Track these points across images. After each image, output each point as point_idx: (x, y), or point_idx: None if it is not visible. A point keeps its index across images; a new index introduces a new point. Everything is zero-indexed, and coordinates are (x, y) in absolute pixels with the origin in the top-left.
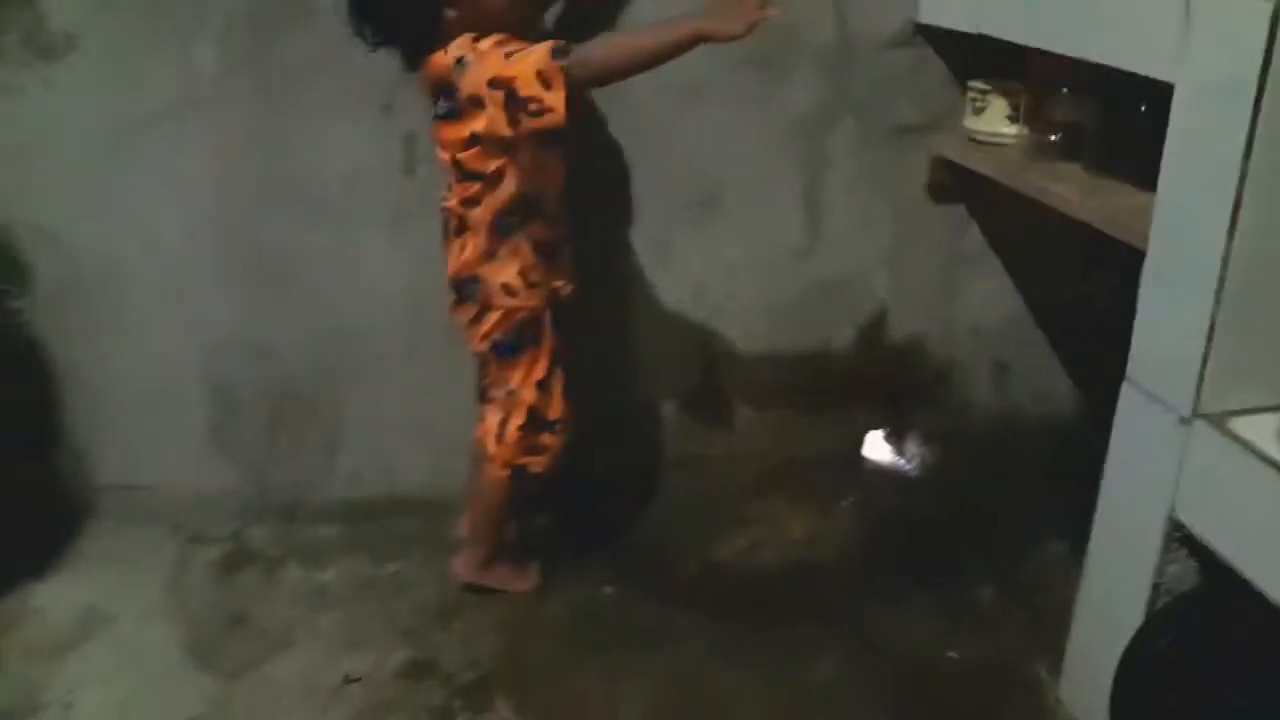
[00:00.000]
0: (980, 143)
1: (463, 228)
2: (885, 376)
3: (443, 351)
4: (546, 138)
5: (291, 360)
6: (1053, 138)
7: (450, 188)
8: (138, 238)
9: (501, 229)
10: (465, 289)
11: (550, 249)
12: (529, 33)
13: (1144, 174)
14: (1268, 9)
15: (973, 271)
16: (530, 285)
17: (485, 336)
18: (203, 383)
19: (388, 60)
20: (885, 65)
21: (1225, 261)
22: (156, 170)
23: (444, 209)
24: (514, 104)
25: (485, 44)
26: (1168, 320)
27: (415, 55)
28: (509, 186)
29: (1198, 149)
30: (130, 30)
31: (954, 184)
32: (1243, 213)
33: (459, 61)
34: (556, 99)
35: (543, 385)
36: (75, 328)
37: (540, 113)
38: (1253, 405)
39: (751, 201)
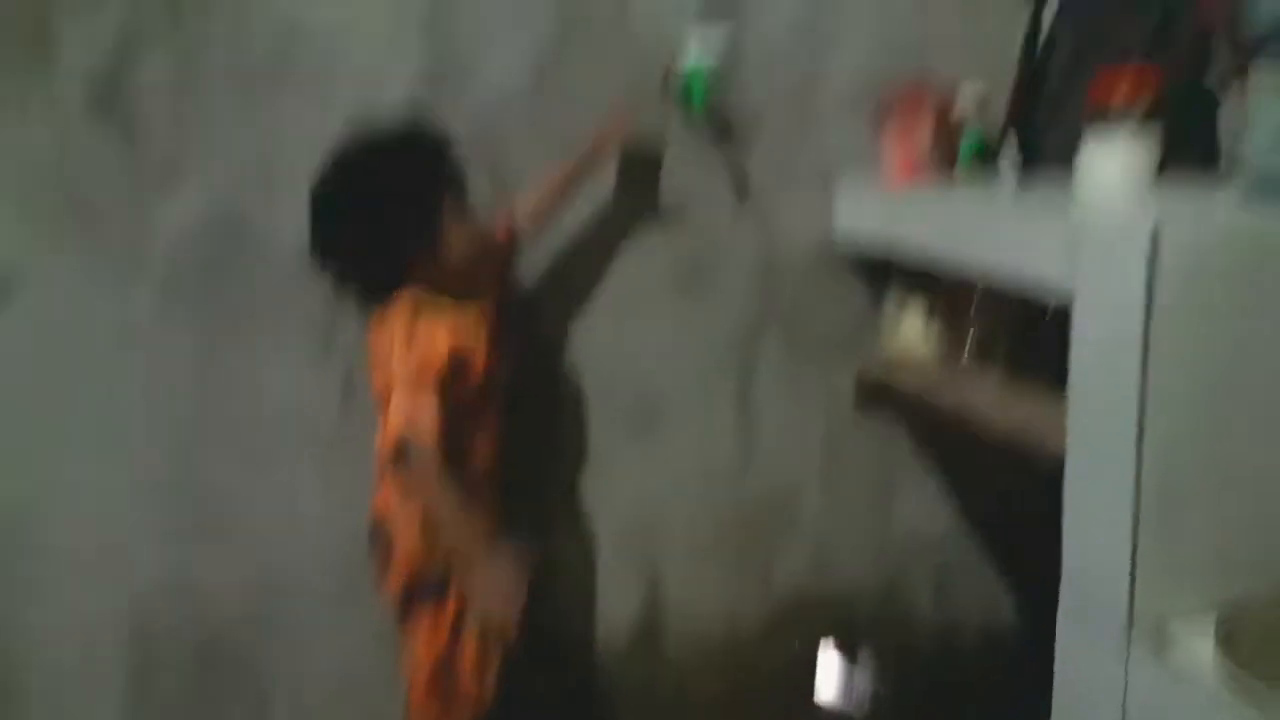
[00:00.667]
0: (901, 356)
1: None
2: (827, 592)
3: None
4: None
5: (219, 611)
6: (968, 350)
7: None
8: (62, 482)
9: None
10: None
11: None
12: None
13: (1055, 379)
14: (1147, 229)
15: (906, 481)
16: None
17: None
18: (123, 640)
19: (328, 299)
20: (806, 281)
21: (1139, 468)
22: (85, 411)
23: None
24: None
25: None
26: (1093, 528)
27: (373, 299)
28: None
29: (1098, 362)
30: (69, 274)
31: (879, 395)
32: (1148, 421)
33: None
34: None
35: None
36: None
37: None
38: (1189, 607)
39: (687, 413)
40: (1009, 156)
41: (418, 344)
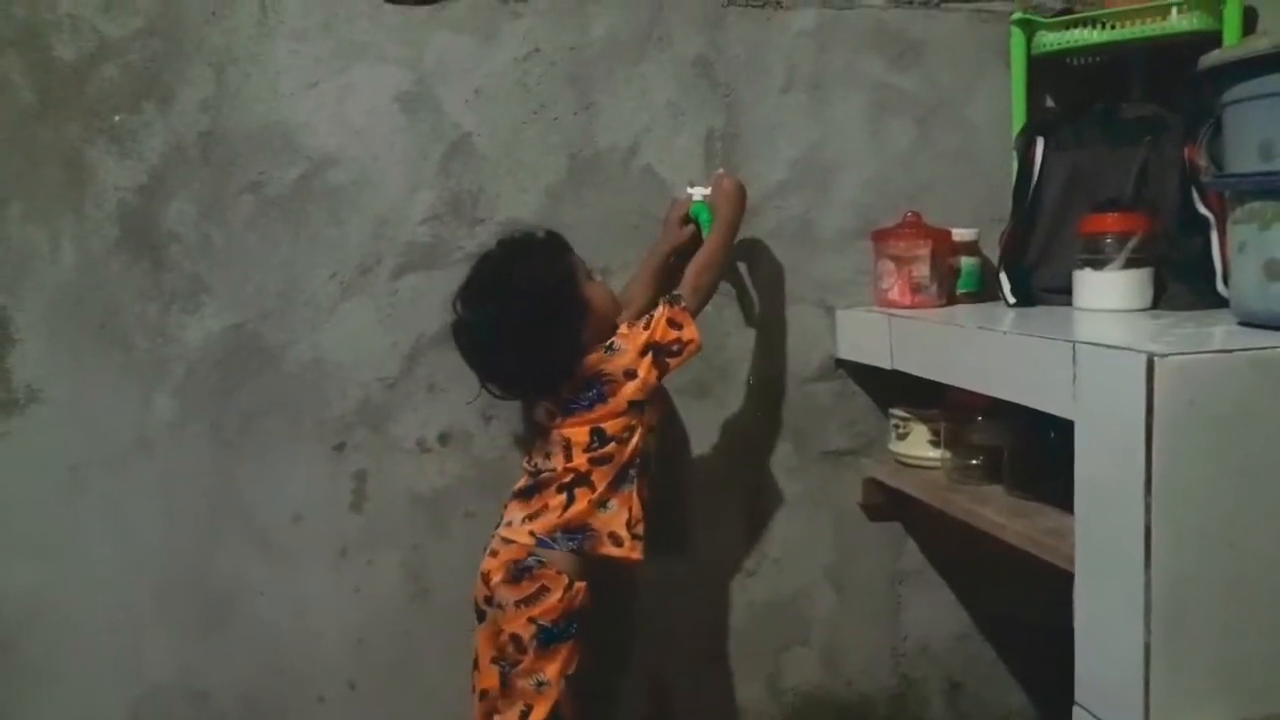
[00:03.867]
0: (907, 465)
1: (578, 484)
2: (838, 698)
3: (382, 695)
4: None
5: (226, 705)
6: (974, 461)
7: (564, 454)
8: (74, 579)
9: (620, 479)
10: (552, 547)
11: (648, 509)
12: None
13: (1062, 495)
14: (1143, 354)
15: (916, 588)
16: (634, 537)
17: (534, 619)
18: None
19: (347, 402)
20: (812, 396)
21: (1147, 588)
22: (101, 511)
23: (541, 470)
24: (660, 355)
25: (623, 329)
26: (1105, 645)
27: (554, 386)
28: (635, 441)
29: (1102, 480)
30: (93, 382)
31: (887, 502)
32: (1155, 542)
33: (608, 348)
34: (690, 331)
35: (569, 681)
36: None
37: (680, 349)
38: None
39: (698, 520)
40: (1002, 294)
41: (633, 340)
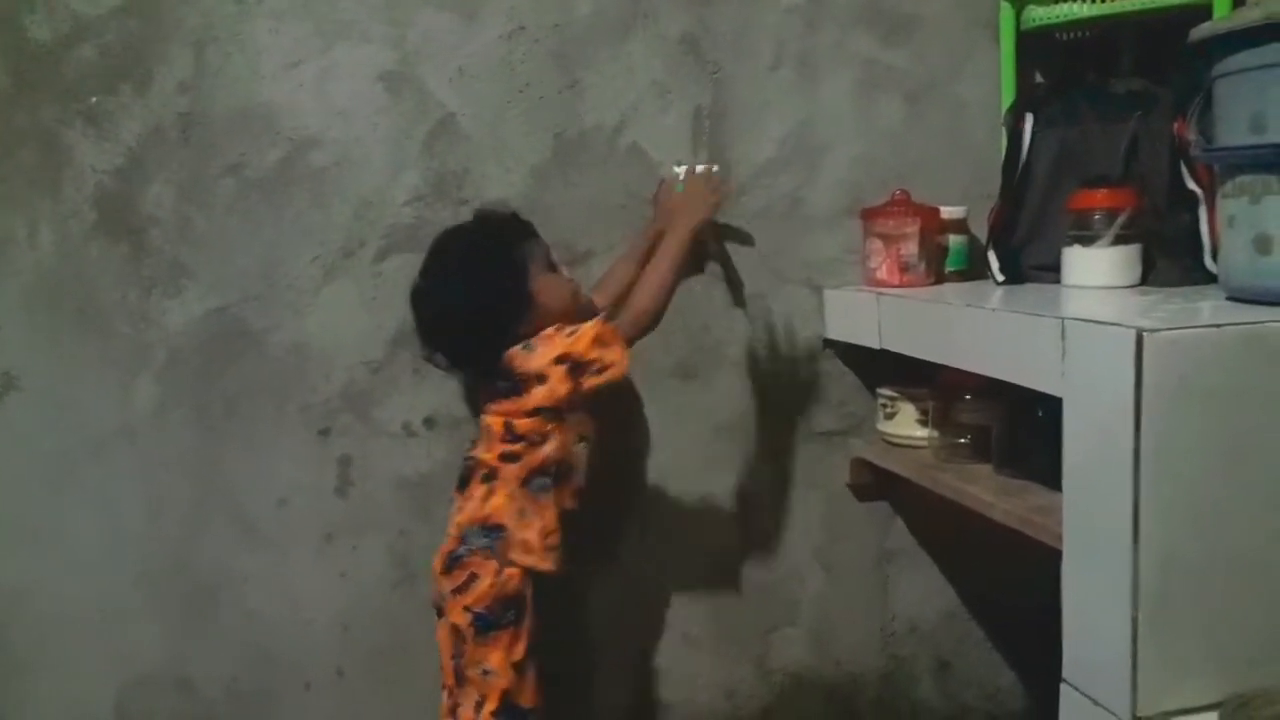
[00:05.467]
0: (895, 445)
1: (492, 476)
2: (827, 677)
3: (370, 680)
4: (580, 417)
5: (213, 691)
6: (961, 440)
7: (486, 443)
8: (60, 568)
9: (531, 484)
10: (471, 541)
11: (569, 521)
12: (583, 318)
13: (1050, 474)
14: (1131, 331)
15: (904, 568)
16: (547, 548)
17: (468, 607)
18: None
19: (331, 386)
20: (800, 377)
21: (1135, 565)
22: (85, 499)
23: (470, 458)
24: (576, 370)
25: (548, 331)
26: (1093, 623)
27: (485, 372)
28: (548, 450)
29: (1091, 457)
30: (71, 369)
31: (875, 482)
32: (1143, 520)
33: (525, 345)
34: (614, 353)
35: (519, 668)
36: None
37: (600, 370)
38: (1193, 704)
39: (685, 502)
40: (990, 272)
41: (551, 344)
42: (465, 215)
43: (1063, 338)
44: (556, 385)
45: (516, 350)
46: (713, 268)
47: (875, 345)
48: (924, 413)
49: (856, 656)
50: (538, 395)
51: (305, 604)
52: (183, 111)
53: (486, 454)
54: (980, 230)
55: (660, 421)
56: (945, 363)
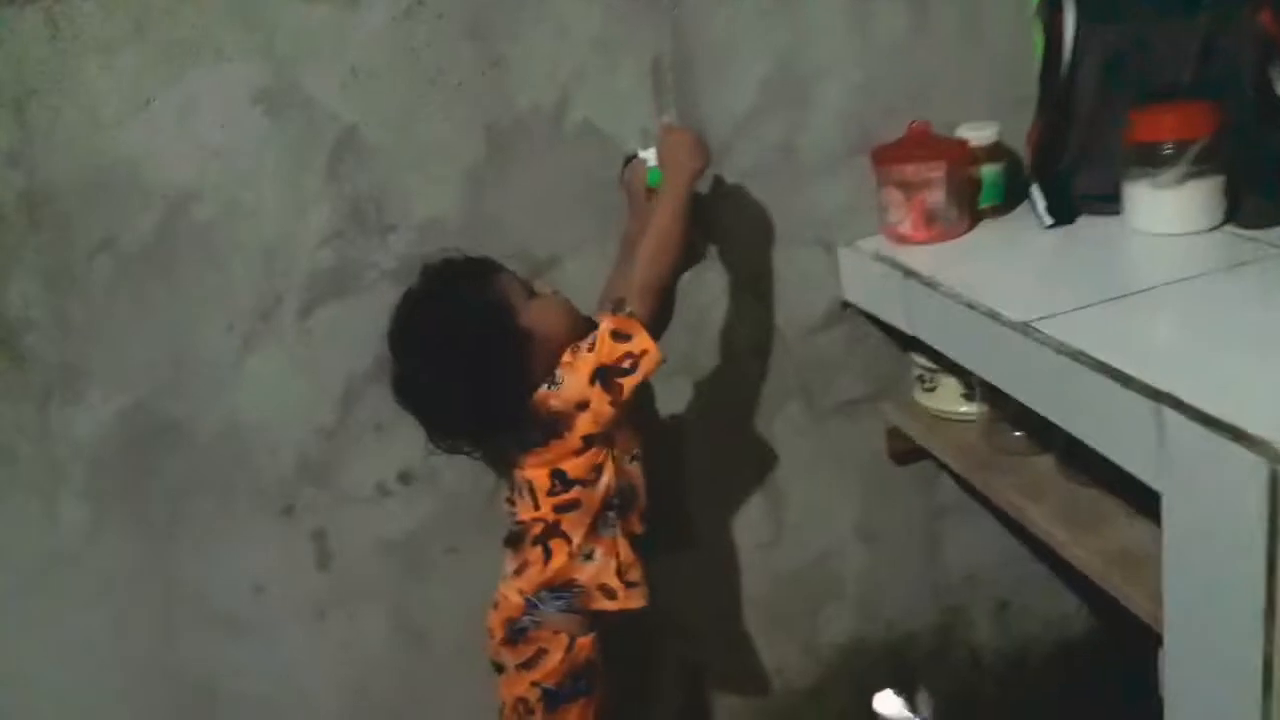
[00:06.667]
0: (936, 414)
1: (551, 534)
2: (877, 643)
3: None
4: (626, 434)
5: None
6: (1017, 433)
7: (531, 500)
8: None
9: (598, 525)
10: (543, 608)
11: (643, 546)
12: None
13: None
14: (1263, 470)
15: (955, 522)
16: (629, 585)
17: (536, 683)
18: None
19: (282, 463)
20: (819, 346)
21: (1267, 715)
22: (39, 634)
23: (520, 522)
24: (609, 378)
25: (566, 357)
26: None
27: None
28: (606, 481)
29: (1205, 580)
30: None
31: (916, 446)
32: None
33: (552, 383)
34: (641, 341)
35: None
36: None
37: (635, 366)
38: None
39: (704, 503)
40: (1035, 212)
41: (577, 369)
42: (397, 244)
43: (1159, 427)
44: (599, 406)
45: (543, 392)
46: (704, 243)
47: (904, 329)
48: (970, 385)
49: (908, 616)
50: (583, 424)
51: (310, 680)
52: (20, 190)
53: (536, 513)
54: (1017, 147)
55: (675, 424)
56: (1000, 387)
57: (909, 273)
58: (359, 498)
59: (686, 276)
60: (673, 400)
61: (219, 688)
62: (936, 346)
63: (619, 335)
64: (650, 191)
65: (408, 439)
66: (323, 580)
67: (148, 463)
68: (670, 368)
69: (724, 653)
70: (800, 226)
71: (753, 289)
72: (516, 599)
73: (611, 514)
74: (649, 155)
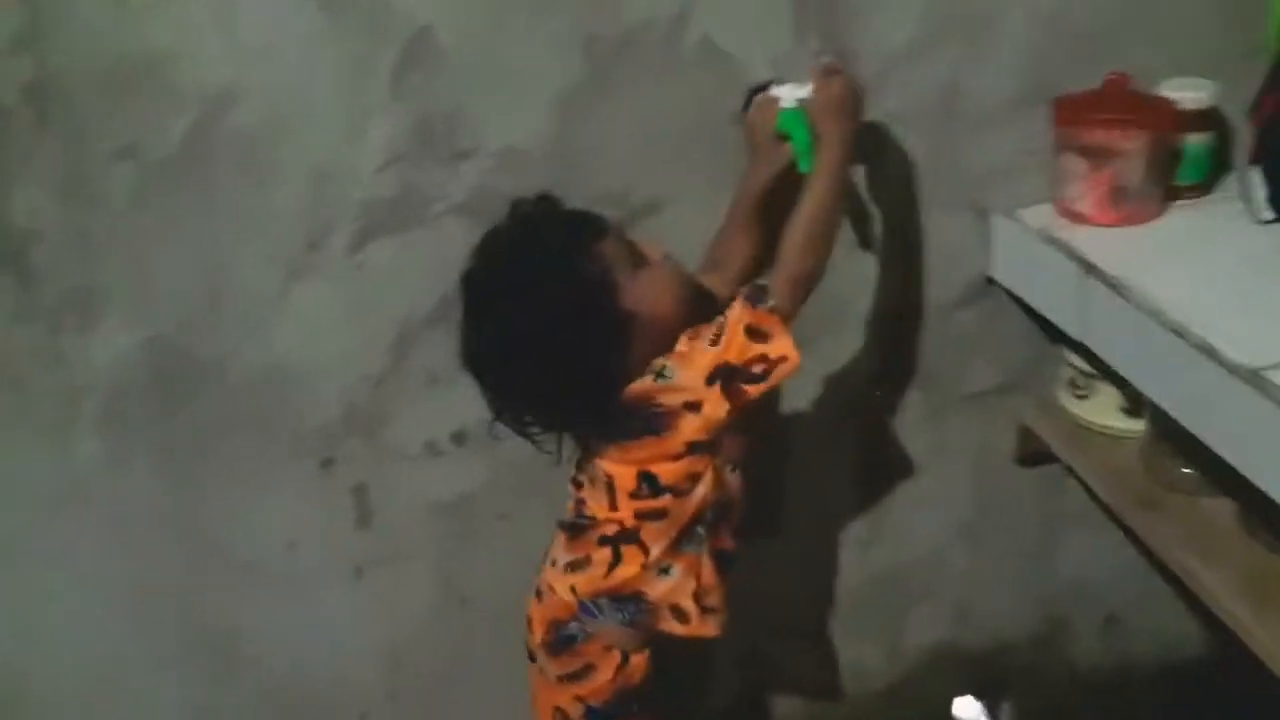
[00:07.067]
0: (1085, 425)
1: (624, 539)
2: (969, 650)
3: (429, 705)
4: (731, 438)
5: None
6: (1186, 470)
7: (608, 498)
8: (45, 649)
9: (683, 539)
10: (600, 617)
11: (730, 565)
12: (710, 307)
13: None
14: None
15: (1074, 530)
16: (704, 610)
17: (580, 698)
18: None
19: (324, 411)
20: (952, 327)
21: None
22: (52, 572)
23: (588, 515)
24: (734, 380)
25: (681, 345)
26: None
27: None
28: (702, 493)
29: None
30: None
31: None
32: None
33: (659, 374)
34: (780, 344)
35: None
36: None
37: (767, 372)
38: None
39: (797, 493)
40: (1250, 200)
41: (694, 361)
42: (470, 174)
43: None
44: (713, 410)
45: (647, 384)
46: None
47: (1071, 332)
48: (1134, 400)
49: (1005, 623)
50: (690, 428)
51: (346, 640)
52: (28, 80)
53: (613, 513)
54: (1233, 115)
55: (775, 403)
56: (1208, 442)
57: (1089, 267)
58: (407, 455)
59: None
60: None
61: (242, 638)
62: (1116, 367)
63: (755, 332)
64: (779, 137)
65: (465, 396)
66: (362, 538)
67: (173, 399)
68: None
69: (793, 643)
70: (950, 185)
71: (880, 255)
72: (568, 598)
73: (701, 529)
74: (782, 92)
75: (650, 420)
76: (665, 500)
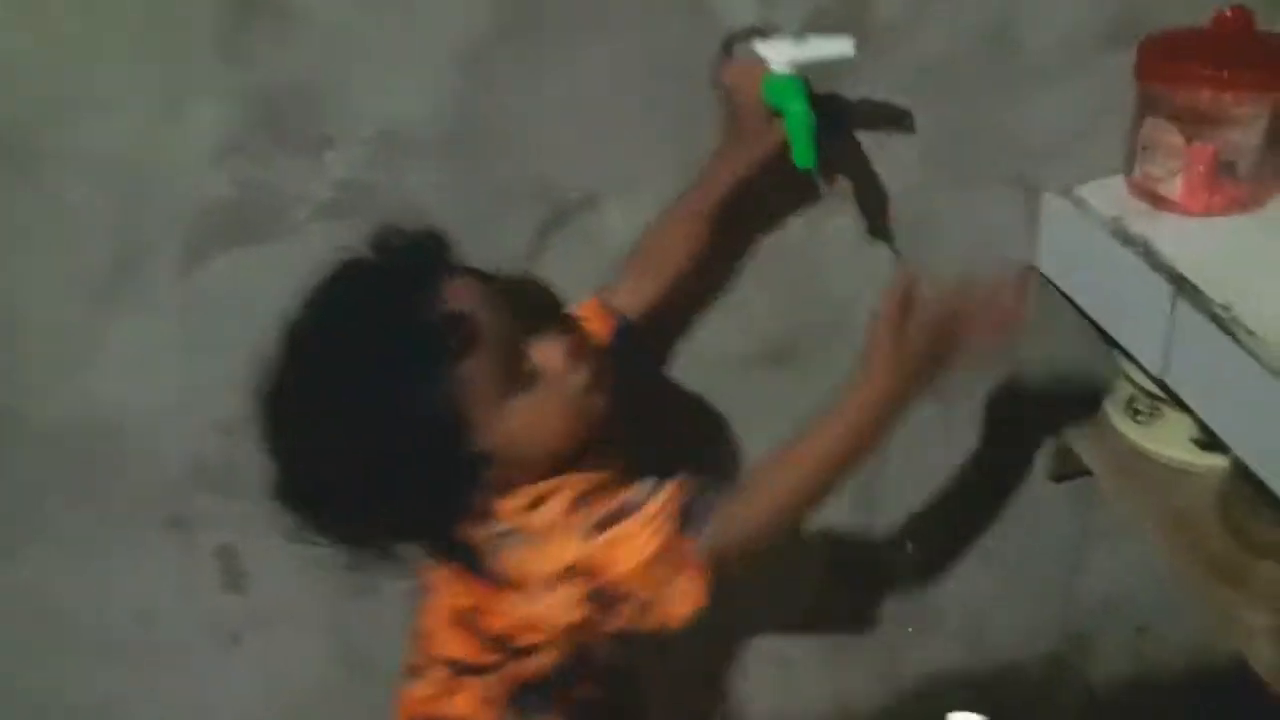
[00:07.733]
0: (1141, 455)
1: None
2: (975, 672)
3: None
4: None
5: None
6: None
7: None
8: None
9: (523, 704)
10: None
11: (600, 712)
12: (609, 456)
13: None
14: None
15: (1101, 547)
16: None
17: None
18: None
19: (166, 465)
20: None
21: None
22: None
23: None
24: (606, 600)
25: (553, 507)
26: None
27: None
28: (543, 661)
29: None
30: None
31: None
32: None
33: (500, 535)
34: (685, 594)
35: None
36: None
37: (647, 614)
38: None
39: None
40: None
41: (554, 542)
42: (336, 165)
43: None
44: (562, 609)
45: (486, 533)
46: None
47: (1151, 368)
48: (1211, 431)
49: (1018, 645)
50: (534, 611)
51: (225, 713)
52: None
53: (433, 648)
54: None
55: (744, 422)
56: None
57: (1181, 283)
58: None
59: (799, 223)
60: (746, 395)
61: (113, 716)
62: (1215, 428)
63: (664, 563)
64: (768, 111)
65: None
66: (233, 602)
67: None
68: (750, 354)
69: (771, 675)
70: (992, 155)
71: (896, 246)
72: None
73: (536, 698)
74: (770, 52)
75: (481, 561)
76: (493, 657)
